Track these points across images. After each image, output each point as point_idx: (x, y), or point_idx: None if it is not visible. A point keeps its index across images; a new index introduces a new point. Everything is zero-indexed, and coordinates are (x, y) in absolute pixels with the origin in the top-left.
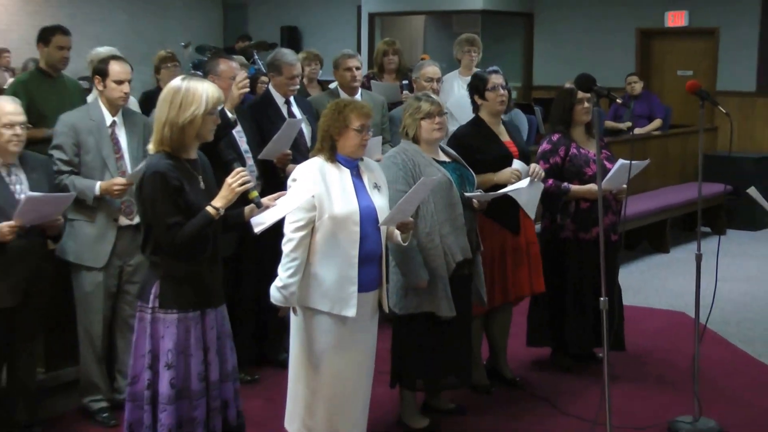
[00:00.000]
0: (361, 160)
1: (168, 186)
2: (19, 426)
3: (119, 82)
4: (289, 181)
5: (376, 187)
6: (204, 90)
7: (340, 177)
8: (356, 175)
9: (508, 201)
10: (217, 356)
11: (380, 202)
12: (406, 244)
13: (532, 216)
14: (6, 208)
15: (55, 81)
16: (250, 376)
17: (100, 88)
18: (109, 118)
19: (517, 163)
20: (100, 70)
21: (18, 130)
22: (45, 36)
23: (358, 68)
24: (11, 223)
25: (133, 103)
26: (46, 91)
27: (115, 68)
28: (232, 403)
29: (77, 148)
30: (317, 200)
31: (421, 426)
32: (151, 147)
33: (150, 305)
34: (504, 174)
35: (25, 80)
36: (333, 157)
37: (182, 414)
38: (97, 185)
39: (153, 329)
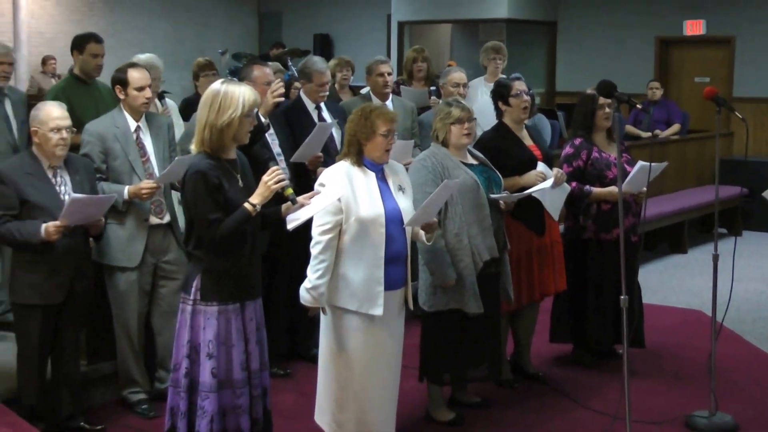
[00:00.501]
0: (386, 163)
1: (209, 184)
2: (63, 416)
3: (140, 89)
4: (316, 185)
5: (401, 189)
6: (241, 93)
7: (366, 180)
8: (381, 178)
9: (534, 203)
10: (257, 346)
11: (405, 203)
12: (430, 243)
13: (556, 217)
14: (53, 209)
15: (90, 87)
16: (282, 371)
17: (122, 96)
18: (133, 124)
19: (541, 166)
20: (120, 79)
21: (64, 134)
22: (79, 44)
23: (389, 74)
24: (57, 223)
25: (173, 108)
26: (82, 97)
27: (135, 75)
28: (269, 390)
29: (104, 155)
30: (344, 203)
31: (448, 419)
32: (193, 148)
33: (191, 297)
34: (530, 177)
35: (63, 87)
36: (360, 161)
37: (225, 402)
38: (126, 189)
39: (193, 320)
